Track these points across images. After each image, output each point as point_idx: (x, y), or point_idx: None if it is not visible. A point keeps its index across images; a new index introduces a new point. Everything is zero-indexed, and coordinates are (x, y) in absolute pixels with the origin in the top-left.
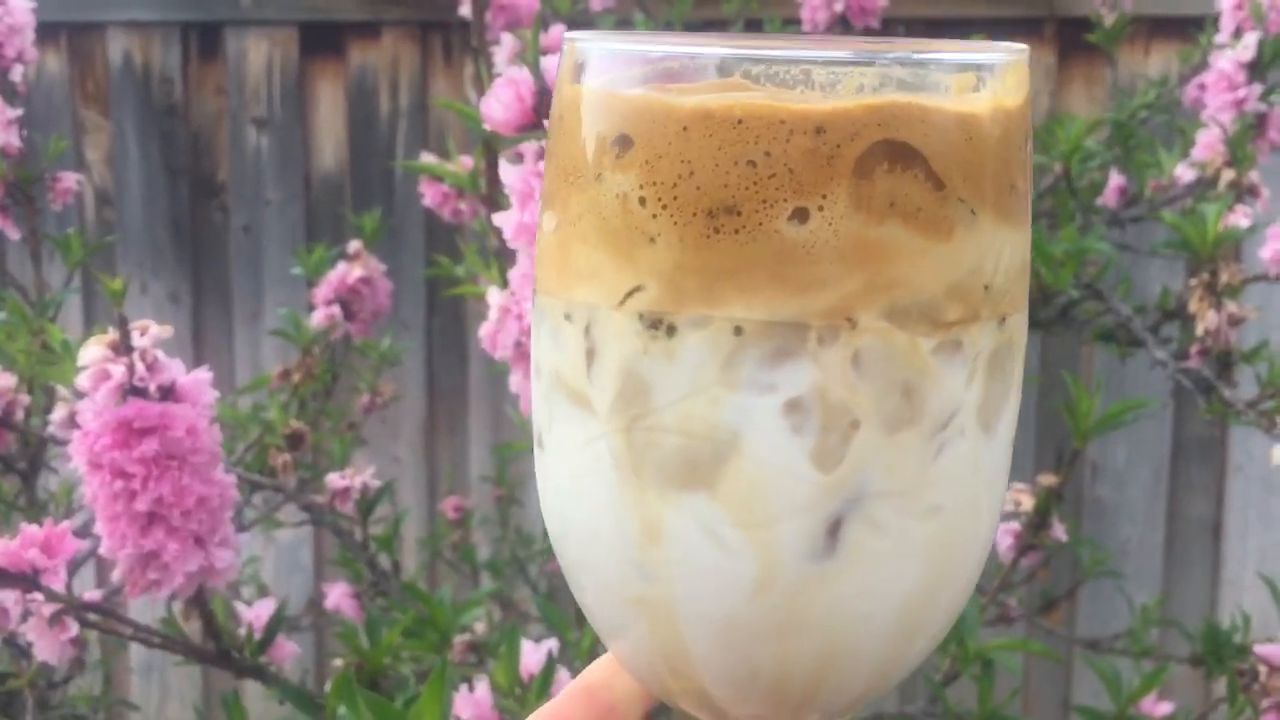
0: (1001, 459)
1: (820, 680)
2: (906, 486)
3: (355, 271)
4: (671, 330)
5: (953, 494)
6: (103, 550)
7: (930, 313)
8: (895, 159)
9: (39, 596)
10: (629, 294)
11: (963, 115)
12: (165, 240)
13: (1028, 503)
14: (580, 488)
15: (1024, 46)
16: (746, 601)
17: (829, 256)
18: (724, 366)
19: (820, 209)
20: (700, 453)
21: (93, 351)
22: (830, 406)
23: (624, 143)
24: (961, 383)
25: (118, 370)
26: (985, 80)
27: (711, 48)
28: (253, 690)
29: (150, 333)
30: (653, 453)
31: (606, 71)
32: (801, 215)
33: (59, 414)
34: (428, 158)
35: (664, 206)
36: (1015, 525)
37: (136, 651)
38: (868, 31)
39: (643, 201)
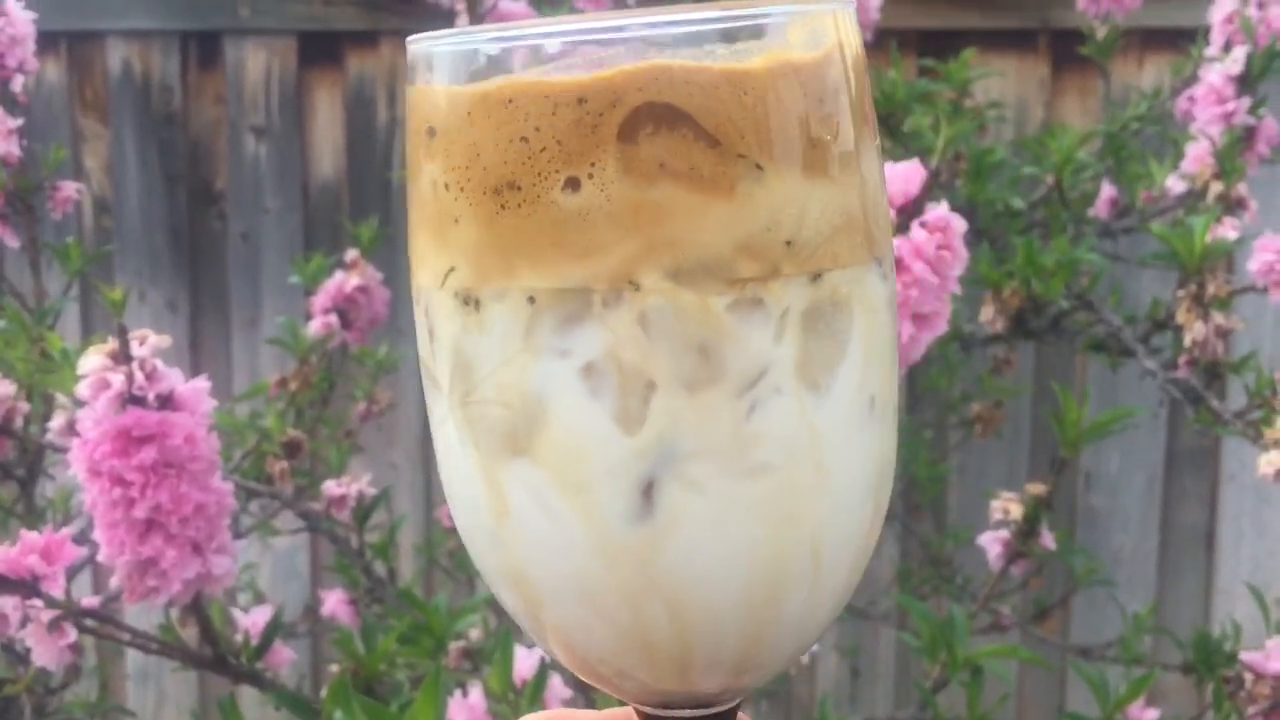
0: (847, 417)
1: (687, 643)
2: (720, 446)
3: (353, 280)
4: (478, 305)
5: (782, 453)
6: (101, 557)
7: (719, 270)
8: (660, 121)
9: (38, 603)
10: (446, 274)
11: (732, 72)
12: (163, 248)
13: (1016, 511)
14: (447, 463)
15: (821, 4)
16: (586, 567)
17: (604, 222)
18: (524, 335)
19: (590, 176)
20: (516, 421)
21: (92, 361)
22: (624, 369)
23: (431, 133)
24: (768, 340)
25: (117, 379)
26: (764, 36)
27: (489, 37)
28: (248, 696)
29: (149, 342)
30: (483, 424)
31: (431, 69)
32: (574, 184)
33: (58, 421)
34: None
35: (461, 189)
36: (1004, 534)
37: (133, 658)
38: None
39: (446, 186)
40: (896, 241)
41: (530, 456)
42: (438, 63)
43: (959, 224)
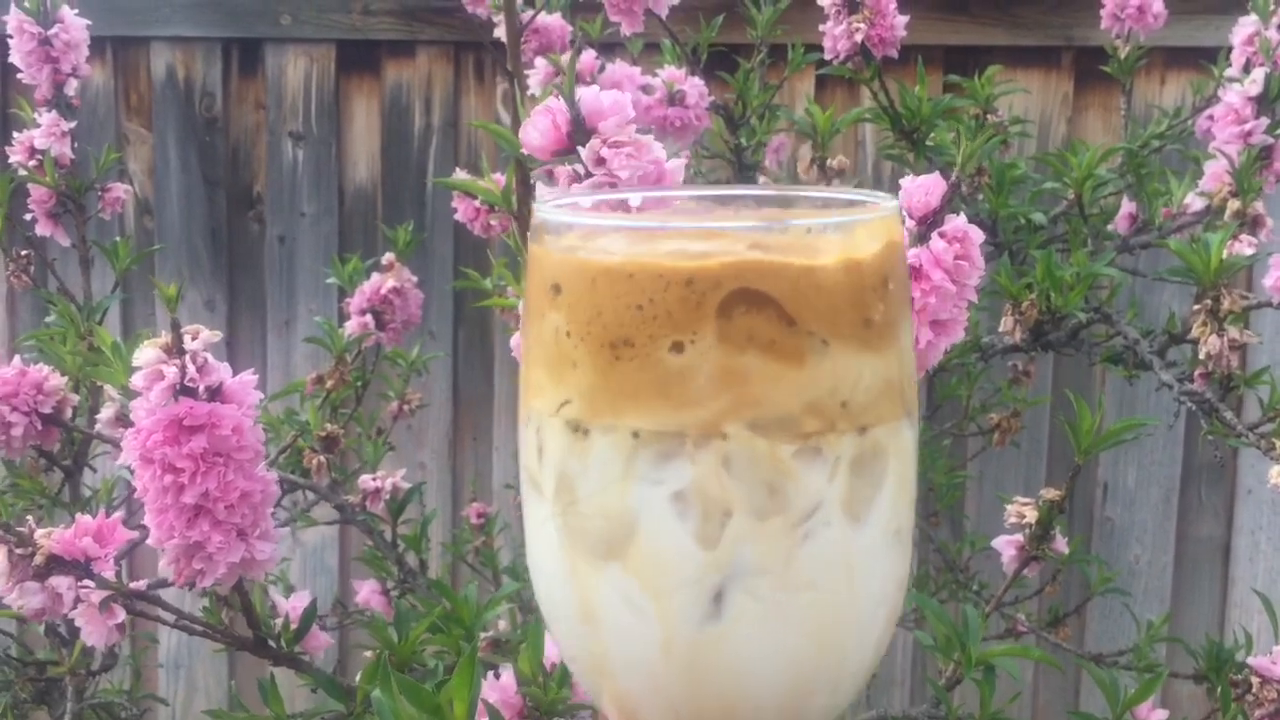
0: (877, 545)
1: None
2: (777, 565)
3: (389, 282)
4: (587, 433)
5: (824, 574)
6: (150, 541)
7: (789, 425)
8: (751, 303)
9: (90, 583)
10: (560, 405)
11: (809, 267)
12: (203, 249)
13: (1031, 515)
14: (543, 561)
15: (885, 204)
16: (660, 658)
17: (701, 380)
18: (625, 464)
19: (693, 342)
20: (613, 533)
21: (147, 353)
22: (707, 498)
23: (556, 289)
24: (823, 481)
25: (170, 371)
26: (836, 237)
27: (614, 223)
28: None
29: (201, 336)
30: (582, 532)
31: (559, 234)
32: (678, 347)
33: (106, 413)
34: (461, 174)
35: (582, 339)
36: (1018, 537)
37: (164, 649)
38: (888, 59)
39: (568, 334)
40: (916, 251)
41: (622, 564)
42: (564, 231)
43: (976, 234)
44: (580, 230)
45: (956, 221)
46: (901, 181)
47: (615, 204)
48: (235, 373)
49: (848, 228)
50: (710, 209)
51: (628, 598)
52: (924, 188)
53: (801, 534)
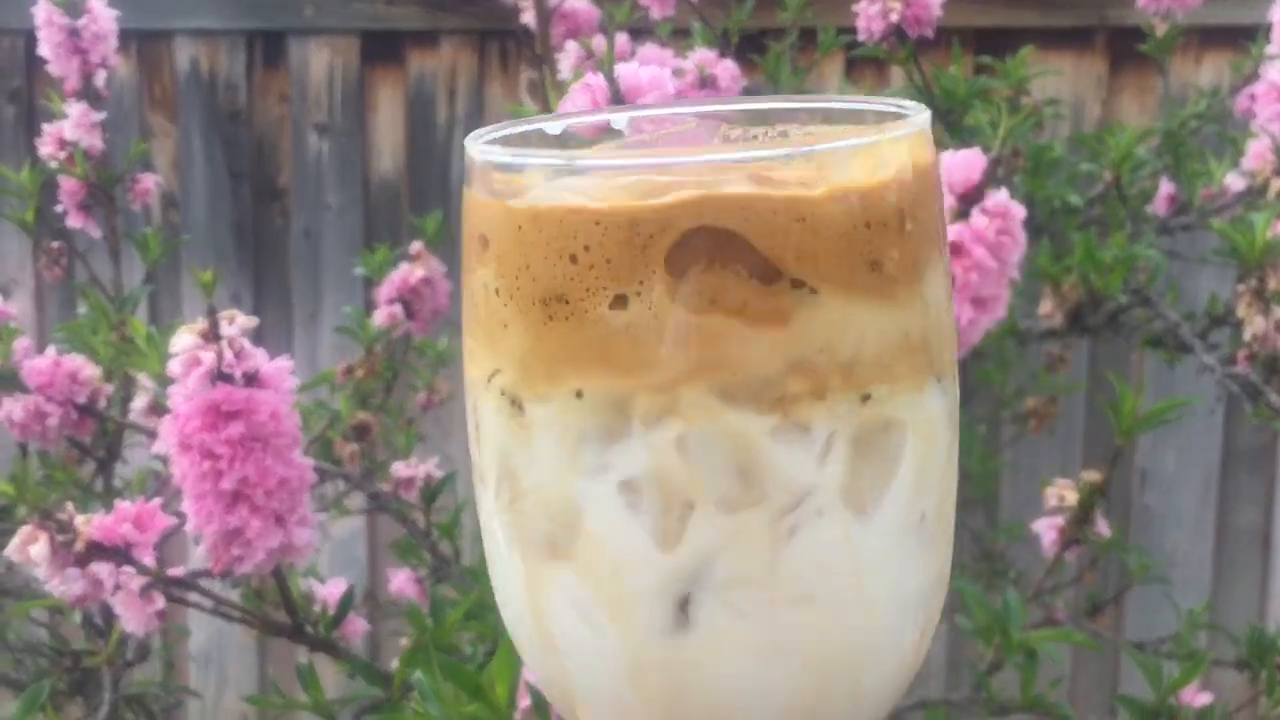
0: (891, 542)
1: None
2: (756, 570)
3: (417, 272)
4: (522, 409)
5: (821, 580)
6: (189, 527)
7: (764, 391)
8: (716, 243)
9: (130, 570)
10: (492, 375)
11: (792, 200)
12: (228, 242)
13: (1071, 498)
14: (492, 564)
15: (903, 119)
16: (621, 676)
17: (650, 338)
18: (564, 445)
19: (639, 294)
20: (557, 529)
21: (184, 339)
22: (663, 486)
23: (484, 241)
24: (811, 463)
25: (208, 357)
26: (827, 165)
27: (544, 160)
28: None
29: (237, 322)
30: (526, 529)
31: (490, 182)
32: (621, 301)
33: (140, 402)
34: None
35: (511, 296)
36: (1059, 520)
37: (195, 642)
38: (920, 41)
39: (497, 292)
40: (957, 228)
41: (571, 565)
42: (493, 174)
43: (1018, 210)
44: (506, 169)
45: (998, 197)
46: (941, 157)
47: (593, 128)
48: (284, 356)
49: (841, 153)
50: (714, 131)
51: (582, 611)
52: (965, 163)
53: (786, 529)
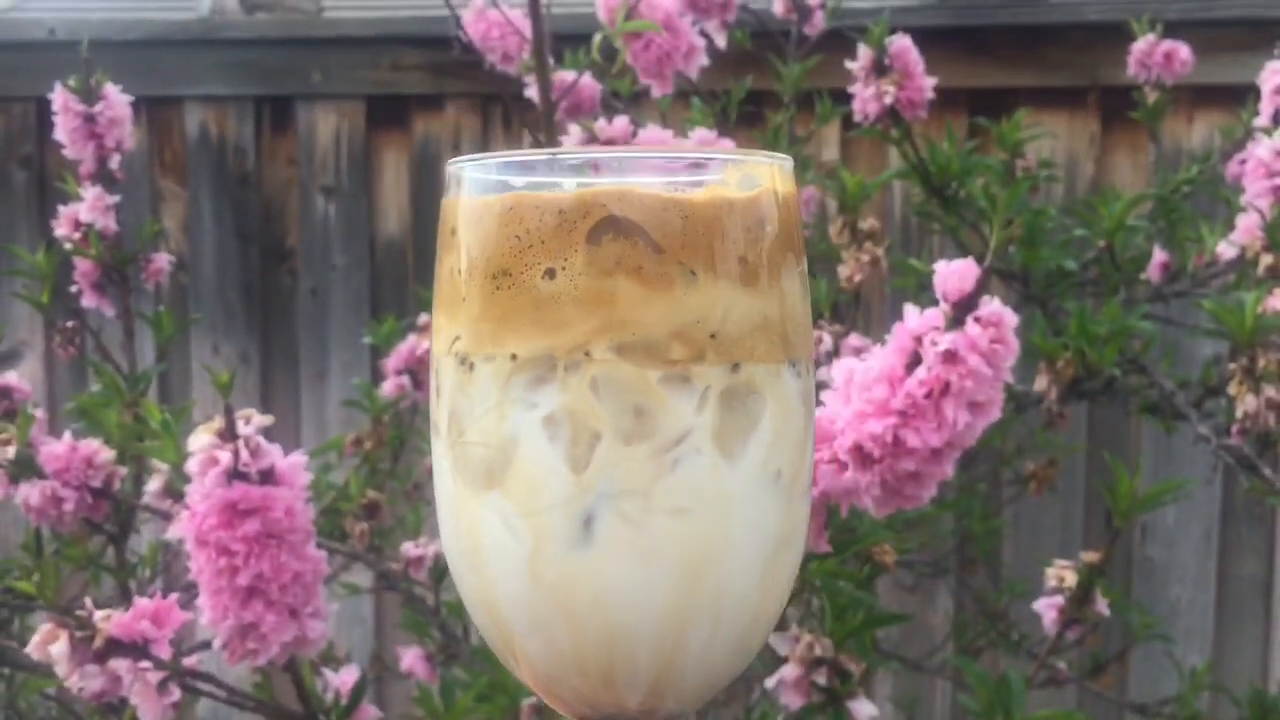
0: (753, 484)
1: (610, 659)
2: (646, 488)
3: (424, 343)
4: (472, 366)
5: (697, 501)
6: (205, 621)
7: (656, 350)
8: (619, 229)
9: (148, 664)
10: (452, 342)
11: (676, 200)
12: (237, 303)
13: (1071, 579)
14: (440, 497)
15: (771, 159)
16: (533, 586)
17: (570, 304)
18: (502, 390)
19: (564, 268)
20: (493, 459)
21: (201, 439)
22: (577, 421)
23: (453, 233)
24: (690, 409)
25: (224, 456)
26: (707, 176)
27: (499, 163)
28: None
29: (254, 421)
30: (468, 462)
31: (460, 185)
32: (551, 274)
33: (153, 485)
34: None
35: (470, 275)
36: (1059, 599)
37: (204, 704)
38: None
39: (459, 272)
40: (952, 336)
41: (501, 489)
42: (465, 180)
43: (1010, 318)
44: (480, 178)
45: (992, 306)
46: (935, 266)
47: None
48: (297, 451)
49: (720, 166)
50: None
51: (506, 521)
52: (958, 273)
53: (670, 460)
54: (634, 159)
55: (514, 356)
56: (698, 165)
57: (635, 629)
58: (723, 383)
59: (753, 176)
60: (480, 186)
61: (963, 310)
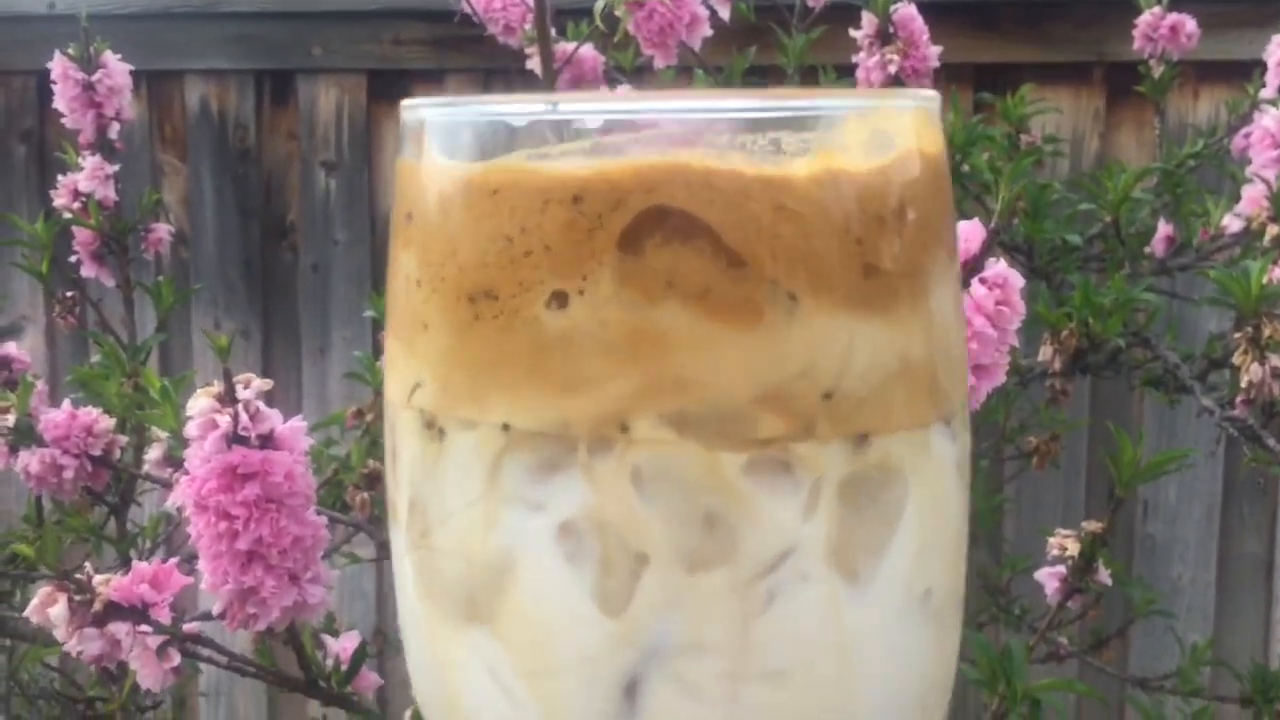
0: (890, 616)
1: None
2: (724, 641)
3: None
4: (442, 432)
5: (806, 655)
6: (204, 586)
7: (736, 422)
8: (674, 229)
9: (147, 629)
10: (412, 390)
11: (764, 179)
12: (237, 279)
13: (1073, 548)
14: (401, 616)
15: (902, 98)
16: None
17: (594, 349)
18: (489, 477)
19: (582, 291)
20: (477, 583)
21: (201, 403)
22: (610, 534)
23: (409, 218)
24: (795, 514)
25: (224, 420)
26: (811, 138)
27: (481, 109)
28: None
29: (253, 385)
30: (436, 577)
31: (420, 142)
32: (561, 299)
33: (154, 454)
34: None
35: (434, 290)
36: (1060, 569)
37: (205, 677)
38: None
39: (419, 283)
40: None
41: (492, 627)
42: (428, 135)
43: (1016, 280)
44: (440, 128)
45: (997, 267)
46: None
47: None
48: (297, 416)
49: (834, 120)
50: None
51: (497, 677)
52: (963, 234)
53: (762, 594)
54: (694, 114)
55: (506, 427)
56: (796, 121)
57: None
58: (843, 468)
59: (886, 133)
60: (450, 148)
61: (969, 272)
